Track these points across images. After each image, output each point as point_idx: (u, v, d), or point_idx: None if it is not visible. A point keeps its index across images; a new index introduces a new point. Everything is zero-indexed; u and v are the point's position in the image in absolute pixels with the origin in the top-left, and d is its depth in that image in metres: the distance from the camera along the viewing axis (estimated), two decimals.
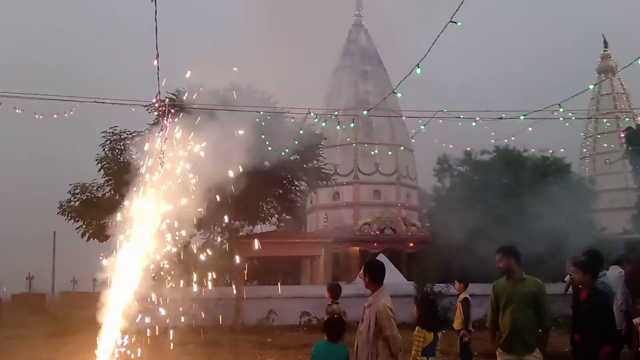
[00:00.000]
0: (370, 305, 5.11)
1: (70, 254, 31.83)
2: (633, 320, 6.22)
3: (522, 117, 12.06)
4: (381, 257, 22.82)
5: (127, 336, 7.65)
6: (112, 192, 17.75)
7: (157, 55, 7.09)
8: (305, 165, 19.25)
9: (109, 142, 18.00)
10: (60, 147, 54.46)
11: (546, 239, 17.33)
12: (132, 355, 7.86)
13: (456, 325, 8.83)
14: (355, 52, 35.35)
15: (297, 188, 20.37)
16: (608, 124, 36.23)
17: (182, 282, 9.82)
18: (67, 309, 23.17)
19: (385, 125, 31.78)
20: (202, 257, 12.26)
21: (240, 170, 9.73)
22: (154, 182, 8.14)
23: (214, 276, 12.12)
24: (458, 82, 67.28)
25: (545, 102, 11.11)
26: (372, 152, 29.22)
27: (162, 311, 8.65)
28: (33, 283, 32.33)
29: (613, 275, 7.13)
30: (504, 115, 12.66)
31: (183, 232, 8.51)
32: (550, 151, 26.91)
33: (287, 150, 14.69)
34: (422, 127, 13.39)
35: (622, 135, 30.68)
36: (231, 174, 9.25)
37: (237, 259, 18.12)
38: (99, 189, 18.52)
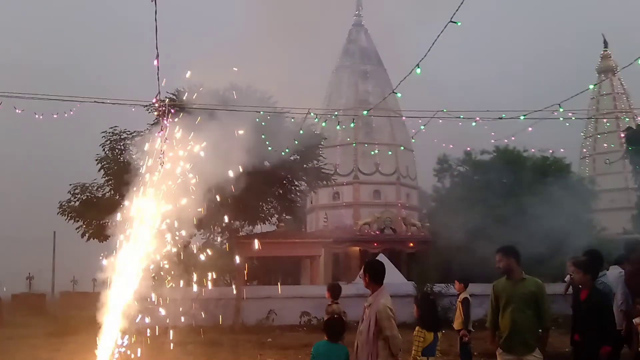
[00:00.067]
0: (370, 305, 5.11)
1: (70, 254, 31.87)
2: (633, 320, 6.22)
3: (522, 117, 12.06)
4: (381, 257, 22.82)
5: (127, 336, 7.65)
6: (112, 192, 17.76)
7: (157, 55, 7.10)
8: (305, 165, 19.25)
9: (108, 142, 18.01)
10: (60, 147, 54.50)
11: (546, 239, 17.33)
12: (132, 355, 7.86)
13: (456, 325, 8.83)
14: (355, 52, 35.35)
15: (297, 188, 20.38)
16: (608, 124, 36.22)
17: (182, 282, 9.82)
18: (67, 309, 23.17)
19: (385, 125, 31.79)
20: (202, 257, 12.26)
21: (240, 170, 9.72)
22: (154, 182, 8.14)
23: (214, 276, 12.12)
24: (458, 82, 67.38)
25: (545, 102, 11.12)
26: (372, 152, 29.24)
27: (162, 311, 8.65)
28: (33, 283, 32.35)
29: (613, 275, 7.14)
30: (504, 115, 12.66)
31: (183, 232, 8.51)
32: (550, 151, 26.93)
33: (287, 150, 14.70)
34: (422, 127, 13.40)
35: (622, 135, 30.69)
36: (231, 174, 9.25)
37: (237, 259, 18.12)
38: (99, 189, 18.53)
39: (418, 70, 8.22)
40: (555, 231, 17.71)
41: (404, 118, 24.99)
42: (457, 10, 6.50)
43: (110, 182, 17.88)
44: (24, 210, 48.70)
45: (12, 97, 11.14)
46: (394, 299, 5.17)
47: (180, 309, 9.72)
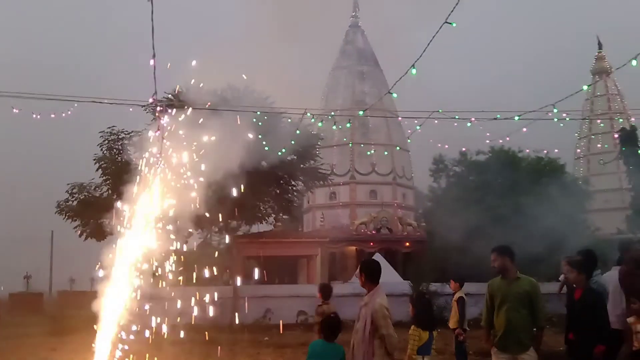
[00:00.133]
0: (366, 304, 5.15)
1: (67, 253, 31.82)
2: (627, 319, 6.27)
3: (516, 118, 12.10)
4: (377, 257, 22.97)
5: (124, 335, 7.68)
6: (110, 191, 17.78)
7: (154, 55, 7.14)
8: (302, 166, 19.31)
9: (106, 141, 18.04)
10: (58, 146, 54.29)
11: (541, 239, 17.40)
12: (130, 354, 7.90)
13: (452, 324, 8.88)
14: (352, 53, 35.44)
15: (294, 188, 20.43)
16: (602, 125, 36.32)
17: (180, 281, 9.86)
18: (64, 308, 23.08)
19: (381, 125, 31.88)
20: (200, 256, 12.30)
21: (238, 170, 9.76)
22: (152, 182, 8.18)
23: (212, 275, 12.14)
24: (457, 82, 67.45)
25: (544, 103, 11.13)
26: (369, 153, 29.33)
27: (160, 310, 8.68)
28: (31, 282, 32.31)
29: (610, 275, 7.16)
30: (498, 116, 12.73)
31: (181, 232, 8.55)
32: (545, 152, 26.98)
33: (284, 150, 14.75)
34: (418, 127, 13.49)
35: (616, 136, 30.84)
36: (229, 174, 9.29)
37: (235, 258, 18.18)
38: (97, 189, 18.56)
39: (414, 71, 8.26)
40: (550, 231, 17.78)
41: (400, 118, 25.09)
42: (452, 11, 6.53)
43: (107, 182, 17.92)
44: (21, 210, 48.57)
45: (11, 97, 11.18)
46: (390, 298, 5.20)
47: (178, 308, 9.75)
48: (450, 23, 6.66)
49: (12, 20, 72.41)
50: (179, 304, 9.67)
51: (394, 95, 11.17)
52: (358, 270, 5.58)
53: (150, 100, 8.86)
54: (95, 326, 7.57)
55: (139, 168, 8.48)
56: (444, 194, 30.17)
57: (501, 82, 66.57)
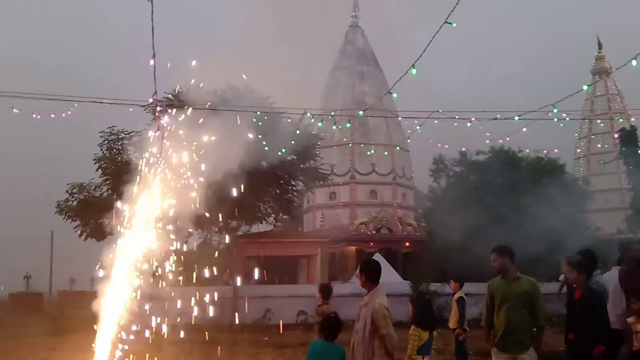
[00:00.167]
0: (366, 304, 5.15)
1: (67, 253, 31.85)
2: (627, 319, 6.28)
3: (516, 118, 12.11)
4: (377, 257, 22.98)
5: (124, 335, 7.69)
6: (110, 191, 17.78)
7: (154, 55, 7.14)
8: (302, 166, 19.32)
9: (106, 142, 18.05)
10: (58, 146, 54.37)
11: (541, 239, 17.41)
12: (130, 354, 7.90)
13: (451, 324, 8.88)
14: (352, 53, 35.43)
15: (294, 188, 20.44)
16: (602, 125, 36.32)
17: (180, 281, 9.86)
18: (64, 308, 23.08)
19: (381, 125, 31.89)
20: (200, 256, 12.30)
21: (238, 170, 9.76)
22: (152, 182, 8.19)
23: (212, 275, 12.15)
24: (458, 82, 67.44)
25: (545, 103, 11.12)
26: (369, 153, 29.34)
27: (160, 310, 8.68)
28: (30, 282, 32.36)
29: (610, 275, 7.17)
30: (498, 116, 12.73)
31: (181, 232, 8.56)
32: (545, 152, 27.00)
33: (284, 150, 14.76)
34: (418, 127, 13.49)
35: (616, 136, 30.83)
36: (229, 174, 9.29)
37: (235, 258, 18.18)
38: (97, 189, 18.56)
39: (413, 71, 8.26)
40: (550, 231, 17.79)
41: (400, 118, 25.09)
42: (452, 11, 6.54)
43: (107, 182, 17.92)
44: (21, 210, 48.61)
45: (11, 97, 11.18)
46: (390, 298, 5.20)
47: (178, 308, 9.76)
48: (450, 23, 6.67)
49: (12, 20, 72.52)
50: (179, 304, 9.66)
51: (394, 95, 11.17)
52: (358, 270, 5.59)
53: (150, 100, 8.86)
54: (95, 326, 7.57)
55: (139, 168, 8.48)
56: (444, 194, 30.18)
57: (501, 82, 66.61)
